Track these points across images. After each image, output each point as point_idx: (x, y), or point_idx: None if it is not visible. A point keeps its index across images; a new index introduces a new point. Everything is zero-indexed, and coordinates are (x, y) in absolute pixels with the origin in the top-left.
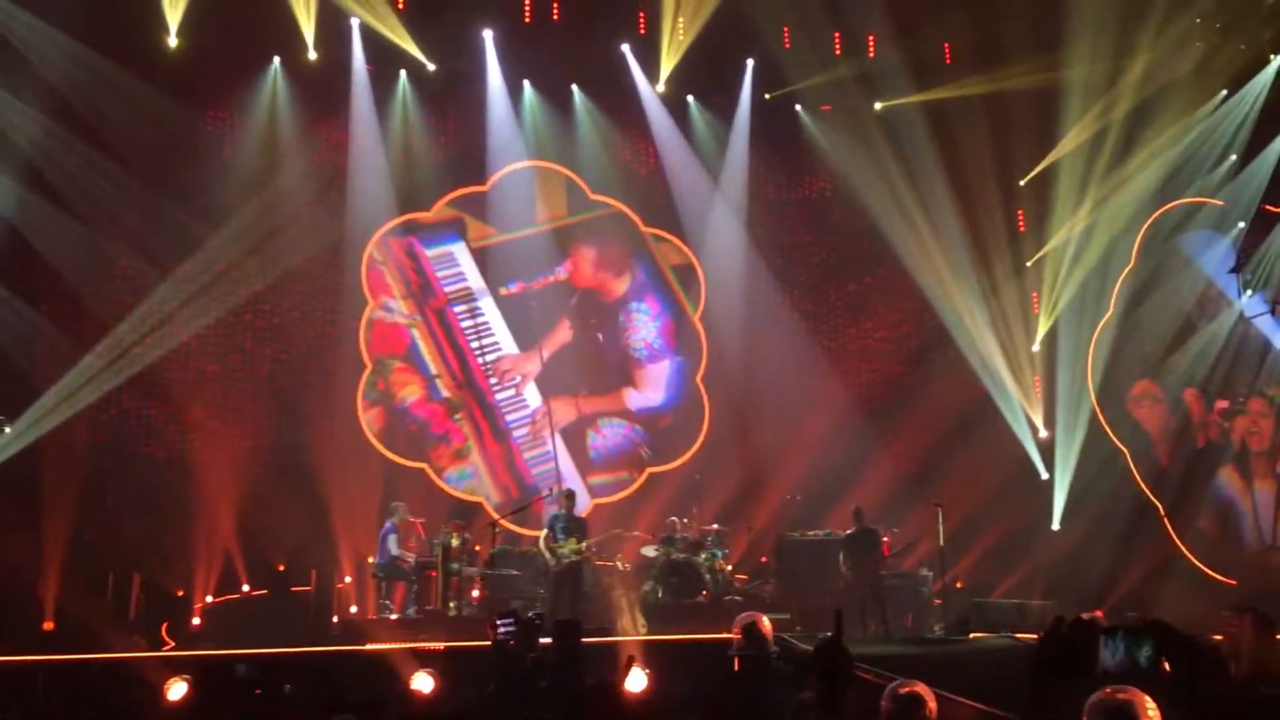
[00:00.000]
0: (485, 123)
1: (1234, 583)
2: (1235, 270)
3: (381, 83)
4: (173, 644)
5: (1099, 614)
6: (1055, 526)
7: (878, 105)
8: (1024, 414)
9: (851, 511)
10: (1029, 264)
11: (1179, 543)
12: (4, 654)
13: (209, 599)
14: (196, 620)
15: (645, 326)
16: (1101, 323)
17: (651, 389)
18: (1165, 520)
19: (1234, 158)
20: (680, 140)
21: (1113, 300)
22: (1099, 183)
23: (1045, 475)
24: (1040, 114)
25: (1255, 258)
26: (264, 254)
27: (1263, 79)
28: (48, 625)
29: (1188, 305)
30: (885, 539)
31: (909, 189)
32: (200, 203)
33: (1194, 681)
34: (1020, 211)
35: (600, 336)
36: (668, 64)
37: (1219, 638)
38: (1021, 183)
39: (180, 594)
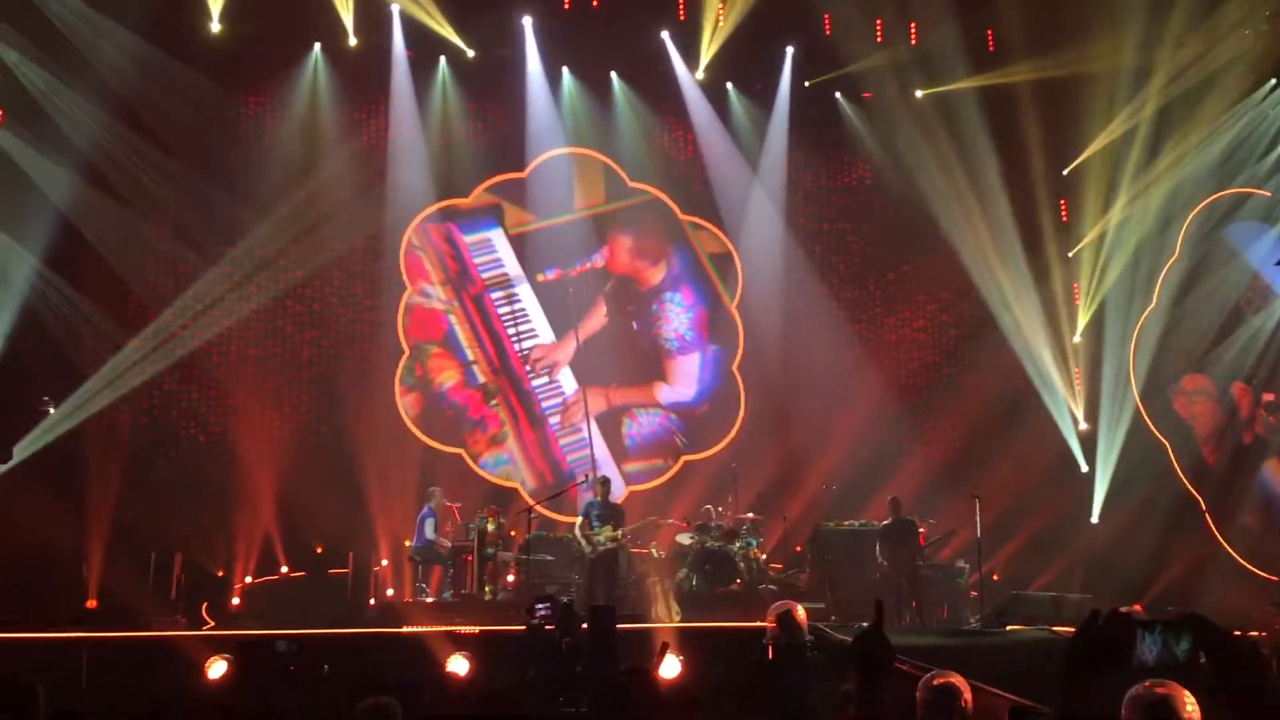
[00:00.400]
0: (524, 109)
1: (1276, 579)
2: None
3: (421, 69)
4: (213, 623)
5: (1138, 608)
6: (1095, 519)
7: (919, 93)
8: (1065, 406)
9: (889, 501)
10: (1071, 254)
11: (1220, 538)
12: (49, 631)
13: (248, 580)
14: (236, 600)
15: (678, 318)
16: (1144, 314)
17: (682, 383)
18: (1206, 515)
19: None
20: (719, 128)
21: (1156, 292)
22: (1142, 173)
23: (1085, 468)
24: (1084, 103)
25: None
26: (305, 241)
27: None
28: (91, 603)
29: (1233, 298)
30: (922, 530)
31: (949, 178)
32: (242, 189)
33: (1233, 678)
34: (1064, 202)
35: (635, 325)
36: (707, 51)
37: (1259, 634)
38: (1064, 172)
39: (220, 574)
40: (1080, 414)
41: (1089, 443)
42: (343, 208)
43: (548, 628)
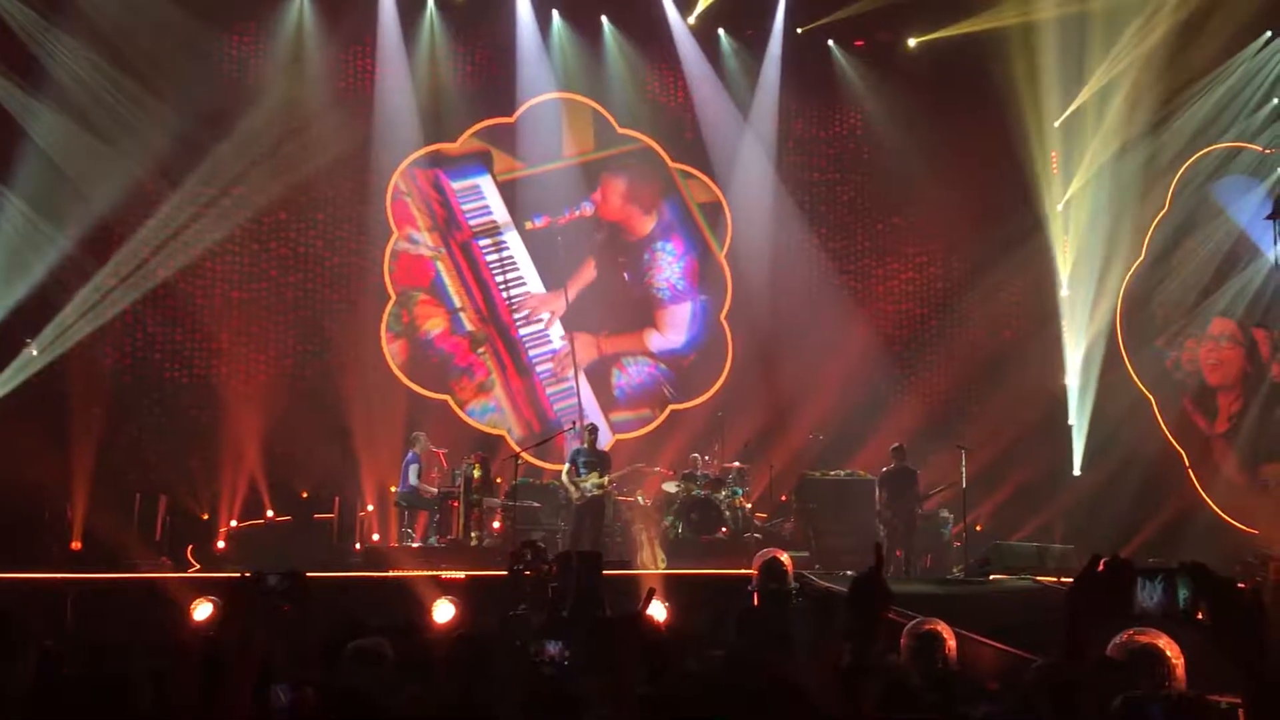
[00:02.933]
0: (513, 53)
1: (1255, 531)
2: (1273, 216)
3: (409, 9)
4: (198, 566)
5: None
6: (1076, 472)
7: (911, 42)
8: (1051, 359)
9: (892, 449)
10: (1059, 206)
11: (1202, 492)
12: (34, 572)
13: (233, 523)
14: (221, 544)
15: (669, 267)
16: (1133, 268)
17: (673, 331)
18: (1189, 470)
19: (1276, 101)
20: (710, 75)
21: (1145, 245)
22: (1129, 126)
23: (1072, 420)
24: (1076, 49)
25: None
26: (290, 182)
27: None
28: (75, 545)
29: (1219, 254)
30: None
31: (941, 128)
32: (225, 129)
33: (1232, 625)
34: (1055, 154)
35: (626, 275)
36: None
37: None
38: (1056, 124)
39: (205, 518)
40: (1067, 367)
41: (1074, 396)
42: (328, 150)
43: (528, 574)
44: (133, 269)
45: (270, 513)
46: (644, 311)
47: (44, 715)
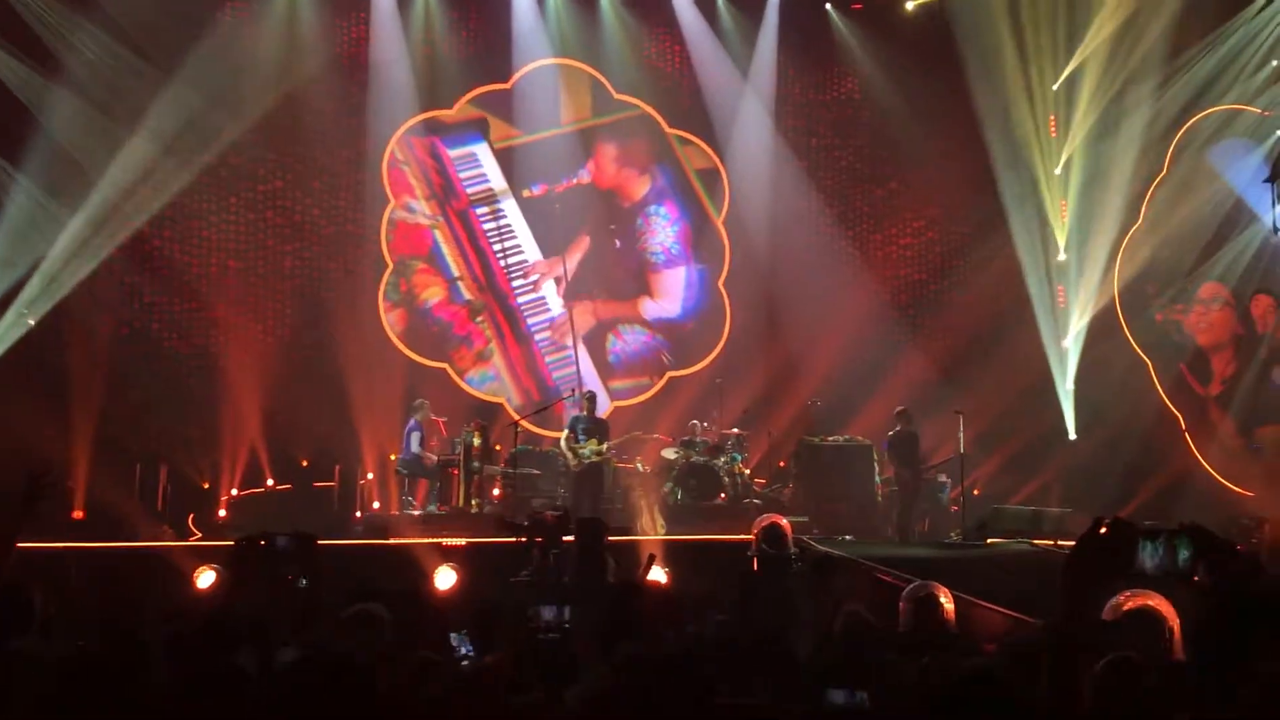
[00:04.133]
0: (509, 18)
1: (1250, 494)
2: (1271, 179)
3: None
4: (200, 534)
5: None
6: (1071, 436)
7: (910, 4)
8: (1050, 323)
9: (896, 413)
10: (1057, 170)
11: (1198, 455)
12: (35, 540)
13: (234, 492)
14: (223, 513)
15: (663, 231)
16: (1130, 232)
17: (667, 298)
18: (1185, 433)
19: (1275, 63)
20: (708, 38)
21: (1143, 209)
22: (1127, 87)
23: (1070, 385)
24: (1076, 13)
25: None
26: (285, 150)
27: None
28: (77, 514)
29: (1216, 218)
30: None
31: (939, 92)
32: (220, 97)
33: (1232, 585)
34: (1053, 117)
35: (618, 242)
36: None
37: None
38: (1054, 87)
39: (206, 486)
40: (1065, 330)
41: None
42: (323, 117)
43: (525, 540)
44: (129, 236)
45: (271, 481)
46: (639, 276)
47: (66, 685)
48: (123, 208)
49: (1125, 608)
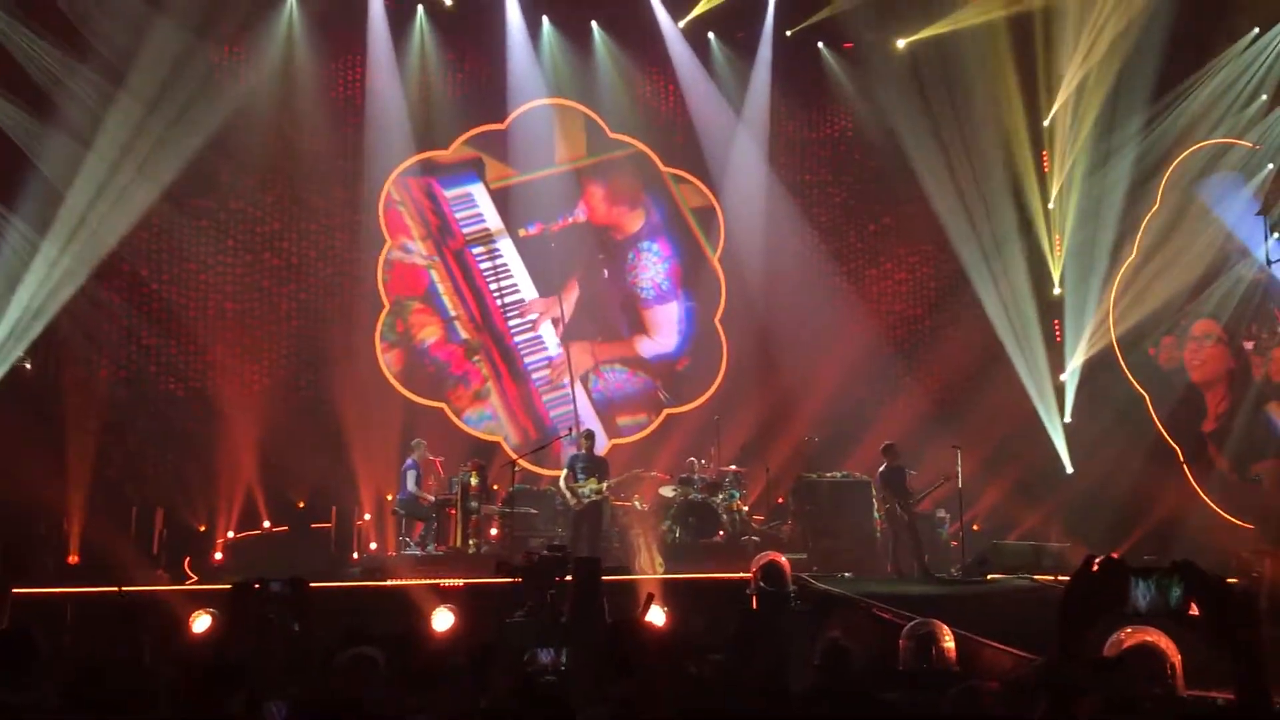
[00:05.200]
0: (504, 60)
1: (1250, 526)
2: (1263, 213)
3: (399, 18)
4: (196, 578)
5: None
6: (1068, 470)
7: (901, 43)
8: (1044, 358)
9: (883, 448)
10: (1050, 205)
11: (1197, 487)
12: (32, 586)
13: (231, 534)
14: (219, 555)
15: (654, 267)
16: (1125, 266)
17: (662, 334)
18: (1184, 465)
19: (1264, 97)
20: (702, 78)
21: (1136, 243)
22: (1117, 121)
23: (1069, 419)
24: (1064, 49)
25: None
26: (282, 192)
27: None
28: (72, 559)
29: (1209, 252)
30: (912, 472)
31: (931, 129)
32: (217, 140)
33: (1226, 624)
34: (1045, 153)
35: (605, 272)
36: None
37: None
38: (1045, 123)
39: (202, 529)
40: (1064, 365)
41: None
42: (320, 159)
43: (520, 581)
44: (125, 282)
45: (267, 523)
46: (631, 313)
47: None
48: (118, 250)
49: (1126, 644)
